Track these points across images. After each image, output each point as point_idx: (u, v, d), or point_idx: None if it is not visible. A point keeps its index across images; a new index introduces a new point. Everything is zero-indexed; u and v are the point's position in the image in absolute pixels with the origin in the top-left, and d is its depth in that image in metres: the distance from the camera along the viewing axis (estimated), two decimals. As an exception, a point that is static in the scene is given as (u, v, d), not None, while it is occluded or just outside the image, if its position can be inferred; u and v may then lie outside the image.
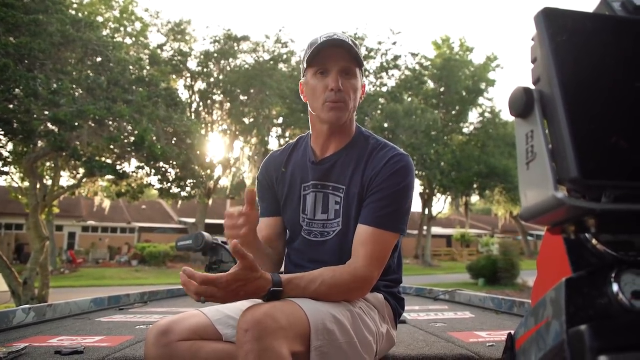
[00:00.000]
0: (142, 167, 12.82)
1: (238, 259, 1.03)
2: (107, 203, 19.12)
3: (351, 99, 1.26)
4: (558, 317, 0.47)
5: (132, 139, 11.44)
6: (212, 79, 22.09)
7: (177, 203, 16.95)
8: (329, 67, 1.25)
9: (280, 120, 22.61)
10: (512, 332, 0.62)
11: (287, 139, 22.27)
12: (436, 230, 32.02)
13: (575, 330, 0.44)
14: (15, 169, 11.96)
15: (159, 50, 20.73)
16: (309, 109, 1.33)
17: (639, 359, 0.42)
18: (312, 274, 1.15)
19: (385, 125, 20.18)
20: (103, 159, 11.88)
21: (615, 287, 0.48)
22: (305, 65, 1.29)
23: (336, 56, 1.24)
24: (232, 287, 1.02)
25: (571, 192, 0.45)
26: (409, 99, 22.80)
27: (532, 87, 0.49)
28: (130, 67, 12.72)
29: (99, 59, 12.03)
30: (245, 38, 21.87)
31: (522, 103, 0.48)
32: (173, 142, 13.28)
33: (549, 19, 0.48)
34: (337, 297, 1.15)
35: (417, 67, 25.23)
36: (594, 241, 0.54)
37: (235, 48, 21.79)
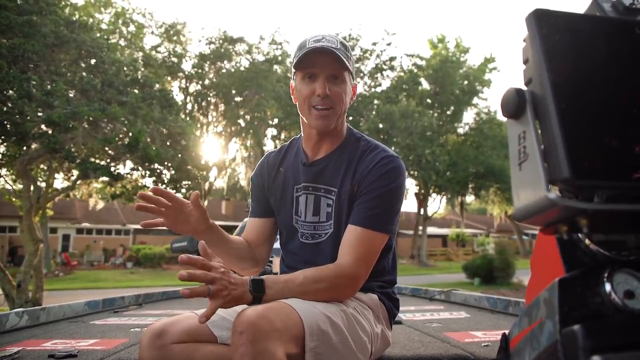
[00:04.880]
0: (137, 169, 12.74)
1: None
2: (101, 205, 18.99)
3: (340, 104, 1.25)
4: (551, 318, 0.47)
5: (126, 140, 11.37)
6: (207, 81, 22.03)
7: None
8: (316, 73, 1.23)
9: (276, 121, 22.59)
10: (507, 332, 0.62)
11: (282, 140, 22.24)
12: (432, 230, 32.08)
13: (568, 331, 0.44)
14: (9, 171, 11.85)
15: (153, 52, 20.65)
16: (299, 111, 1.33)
17: (633, 358, 0.42)
18: (296, 272, 1.16)
19: (381, 126, 20.17)
20: (97, 160, 11.79)
21: (608, 287, 0.48)
22: (293, 69, 1.28)
23: (324, 62, 1.22)
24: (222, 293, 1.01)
25: (563, 192, 0.45)
26: (404, 100, 22.78)
27: (524, 88, 0.49)
28: (125, 68, 12.66)
29: (93, 61, 11.94)
30: (240, 40, 21.83)
31: (514, 104, 0.48)
32: (168, 143, 13.20)
33: (541, 20, 0.48)
34: (324, 294, 1.15)
35: (412, 68, 25.26)
36: (586, 241, 0.54)
37: (231, 50, 21.74)
